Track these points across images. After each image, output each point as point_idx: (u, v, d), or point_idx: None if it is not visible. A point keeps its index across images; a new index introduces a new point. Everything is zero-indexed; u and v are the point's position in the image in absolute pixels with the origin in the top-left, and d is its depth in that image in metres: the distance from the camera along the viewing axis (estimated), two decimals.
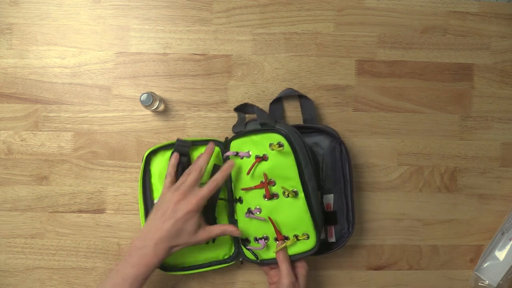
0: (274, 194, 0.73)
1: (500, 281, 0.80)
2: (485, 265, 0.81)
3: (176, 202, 0.68)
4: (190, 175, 0.71)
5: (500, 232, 0.83)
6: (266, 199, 0.73)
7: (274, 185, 0.73)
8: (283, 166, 0.72)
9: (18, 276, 0.80)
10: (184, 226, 0.67)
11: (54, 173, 0.81)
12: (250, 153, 0.74)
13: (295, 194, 0.72)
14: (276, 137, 0.71)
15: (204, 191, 0.69)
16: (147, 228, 0.68)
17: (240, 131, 0.76)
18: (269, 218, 0.73)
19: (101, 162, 0.81)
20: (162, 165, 0.76)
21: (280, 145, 0.71)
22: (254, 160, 0.73)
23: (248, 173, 0.73)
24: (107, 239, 0.81)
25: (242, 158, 0.74)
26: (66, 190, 0.81)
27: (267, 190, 0.73)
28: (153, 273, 0.68)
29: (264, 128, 0.73)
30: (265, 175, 0.73)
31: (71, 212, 0.81)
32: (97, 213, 0.81)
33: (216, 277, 0.81)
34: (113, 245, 0.81)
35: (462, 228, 0.84)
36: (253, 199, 0.74)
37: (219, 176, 0.71)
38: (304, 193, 0.72)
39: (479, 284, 0.82)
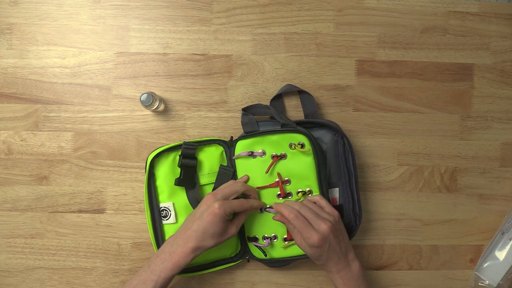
0: (288, 193, 0.76)
1: (500, 281, 0.80)
2: (485, 265, 0.81)
3: (206, 204, 0.69)
4: (230, 186, 0.72)
5: (500, 232, 0.83)
6: (280, 198, 0.76)
7: (289, 184, 0.76)
8: (301, 165, 0.75)
9: (18, 276, 0.80)
10: (209, 228, 0.68)
11: (54, 173, 0.81)
12: (265, 152, 0.75)
13: (310, 193, 0.75)
14: (298, 137, 0.74)
15: (235, 204, 0.70)
16: (182, 226, 0.71)
17: (253, 131, 0.77)
18: None
19: (101, 162, 0.81)
20: (166, 167, 0.76)
21: (302, 145, 0.74)
22: (269, 159, 0.75)
23: (267, 172, 0.75)
24: (107, 239, 0.81)
25: (255, 157, 0.76)
26: (66, 190, 0.81)
27: (281, 189, 0.75)
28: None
29: (286, 128, 0.75)
30: (278, 174, 0.75)
31: (71, 212, 0.81)
32: (97, 213, 0.81)
33: (216, 277, 0.81)
34: (113, 245, 0.81)
35: (462, 228, 0.84)
36: (265, 198, 0.77)
37: (255, 203, 0.73)
38: (319, 192, 0.75)
39: (479, 284, 0.81)
